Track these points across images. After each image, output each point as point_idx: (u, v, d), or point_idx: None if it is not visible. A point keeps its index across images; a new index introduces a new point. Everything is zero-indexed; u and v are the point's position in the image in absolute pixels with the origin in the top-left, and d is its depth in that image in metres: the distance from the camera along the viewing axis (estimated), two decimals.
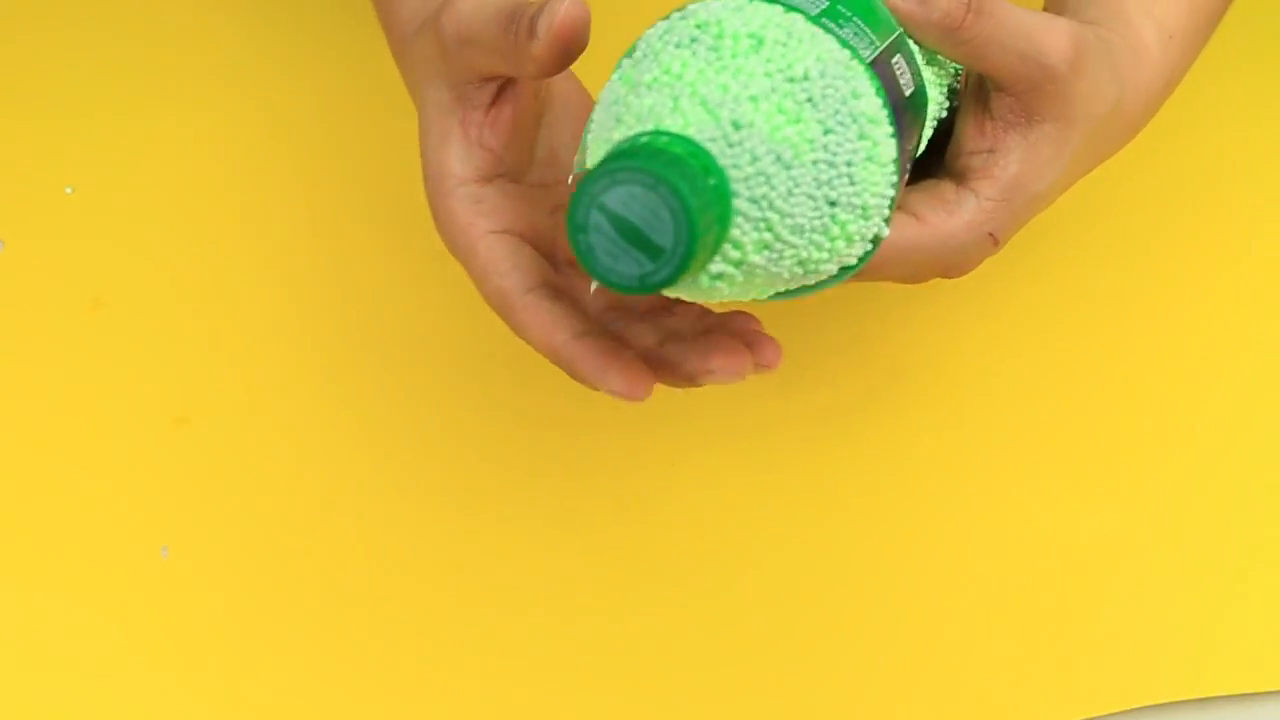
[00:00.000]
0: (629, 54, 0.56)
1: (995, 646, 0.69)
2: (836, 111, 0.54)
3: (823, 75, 0.54)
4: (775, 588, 0.70)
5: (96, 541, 0.71)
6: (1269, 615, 0.69)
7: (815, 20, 0.56)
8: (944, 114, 0.64)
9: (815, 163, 0.53)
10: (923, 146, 0.61)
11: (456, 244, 0.61)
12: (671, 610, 0.69)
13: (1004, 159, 0.61)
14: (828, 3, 0.57)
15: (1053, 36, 0.60)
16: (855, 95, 0.54)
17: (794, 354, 0.72)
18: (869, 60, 0.56)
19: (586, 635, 0.69)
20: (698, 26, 0.55)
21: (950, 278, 0.63)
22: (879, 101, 0.55)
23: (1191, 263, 0.76)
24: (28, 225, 0.78)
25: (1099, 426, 0.72)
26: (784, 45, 0.54)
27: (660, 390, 0.72)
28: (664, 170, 0.48)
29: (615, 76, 0.56)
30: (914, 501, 0.71)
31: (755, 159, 0.52)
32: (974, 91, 0.62)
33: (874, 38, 0.58)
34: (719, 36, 0.54)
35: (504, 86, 0.62)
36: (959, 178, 0.61)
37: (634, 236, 0.49)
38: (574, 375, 0.59)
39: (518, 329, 0.60)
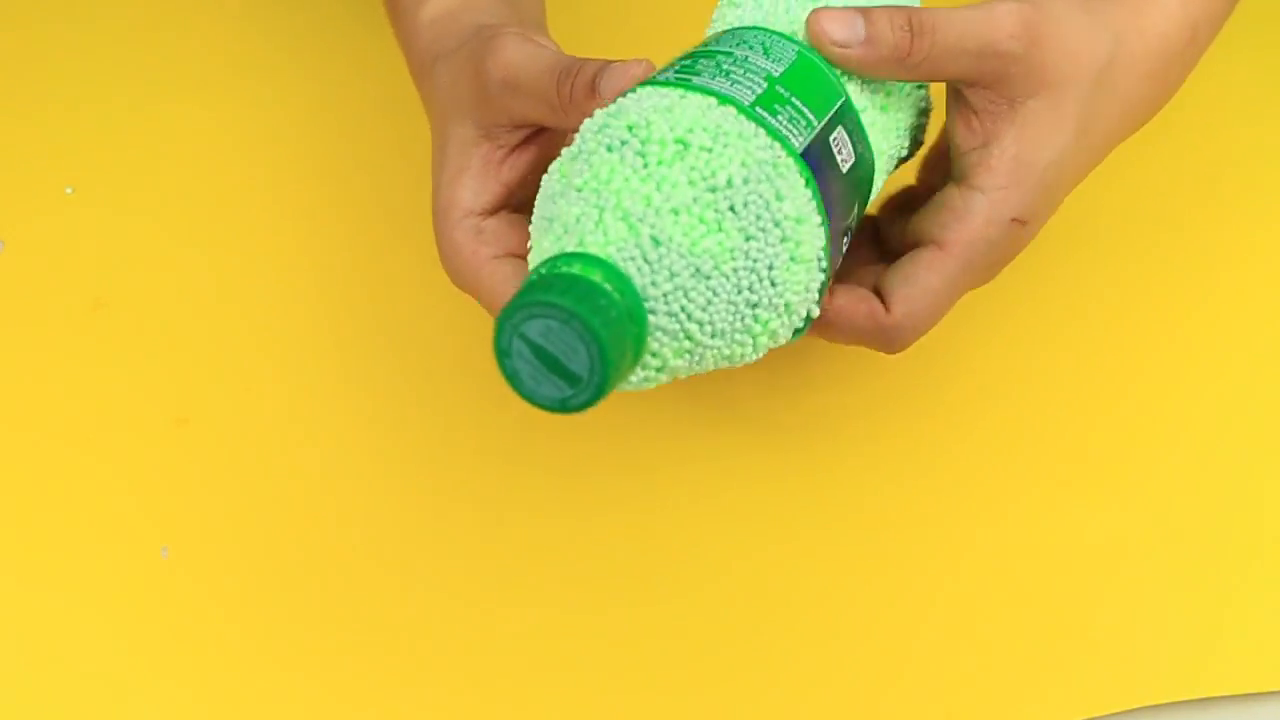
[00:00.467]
0: (570, 145, 0.57)
1: (995, 646, 0.69)
2: (759, 217, 0.54)
3: (746, 181, 0.54)
4: (775, 588, 0.70)
5: (96, 541, 0.71)
6: (1269, 615, 0.69)
7: (748, 111, 0.56)
8: (905, 153, 0.64)
9: (735, 270, 0.54)
10: (872, 199, 0.61)
11: (463, 273, 0.62)
12: (672, 611, 0.69)
13: (998, 147, 0.60)
14: (765, 85, 0.58)
15: (997, 23, 0.59)
16: (779, 197, 0.55)
17: (795, 355, 0.72)
18: (801, 149, 0.56)
19: (586, 635, 0.69)
20: (629, 128, 0.55)
21: (995, 274, 0.62)
22: (808, 194, 0.56)
23: (1191, 264, 0.76)
24: (28, 225, 0.78)
25: (1099, 427, 0.72)
26: (709, 151, 0.54)
27: (660, 390, 0.72)
28: (577, 305, 0.49)
29: (555, 166, 0.57)
30: (914, 501, 0.71)
31: (673, 275, 0.53)
32: (953, 94, 0.62)
33: (812, 117, 0.58)
34: (646, 141, 0.55)
35: (536, 132, 0.62)
36: (962, 180, 0.61)
37: (553, 364, 0.51)
38: None
39: None
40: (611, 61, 0.59)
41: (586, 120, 0.57)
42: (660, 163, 0.54)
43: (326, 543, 0.71)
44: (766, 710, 0.68)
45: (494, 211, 0.63)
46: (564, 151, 0.57)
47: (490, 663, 0.69)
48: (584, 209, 0.54)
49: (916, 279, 0.60)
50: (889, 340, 0.61)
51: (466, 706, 0.68)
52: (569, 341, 0.50)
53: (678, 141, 0.54)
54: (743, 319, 0.55)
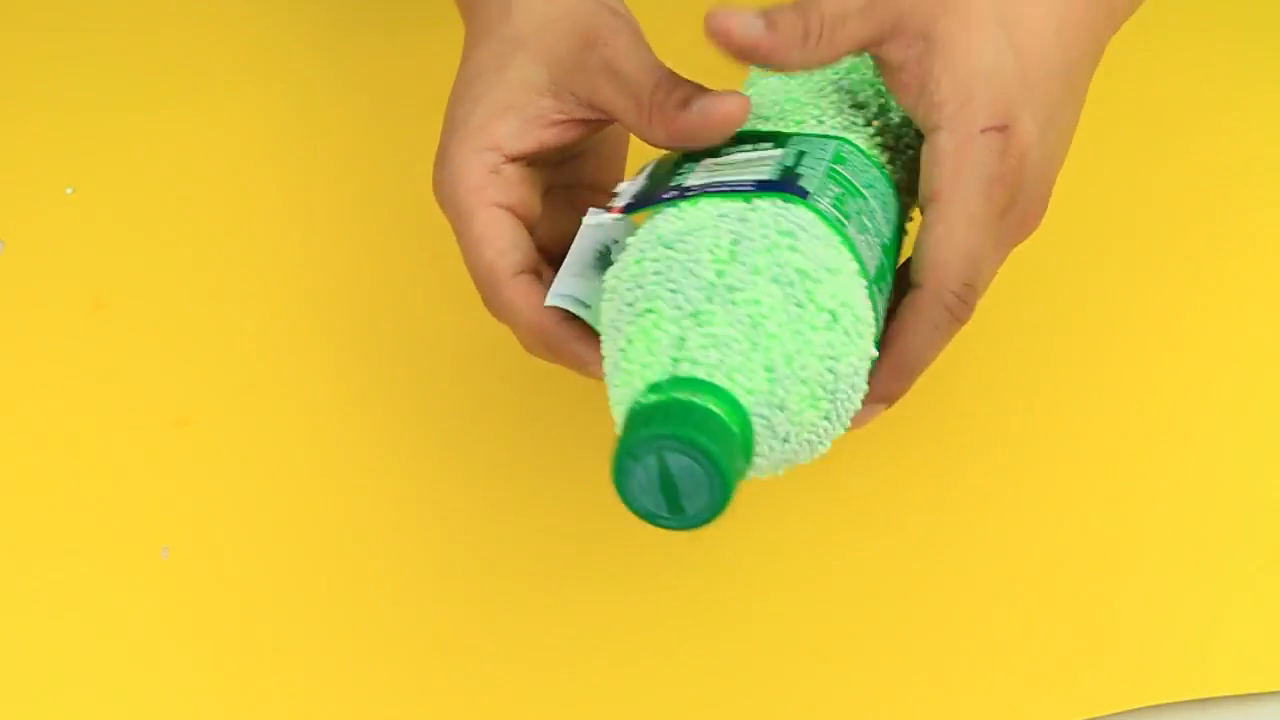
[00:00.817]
0: (737, 198, 0.56)
1: (995, 646, 0.69)
2: (848, 399, 0.56)
3: (851, 375, 0.56)
4: (776, 587, 0.70)
5: (97, 541, 0.71)
6: (1269, 615, 0.69)
7: (871, 292, 0.57)
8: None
9: (819, 434, 0.56)
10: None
11: (455, 196, 0.61)
12: (672, 610, 0.69)
13: (932, 81, 0.59)
14: (881, 258, 0.58)
15: None
16: (862, 383, 0.56)
17: None
18: (881, 319, 0.58)
19: (587, 635, 0.69)
20: (798, 272, 0.55)
21: (1025, 214, 0.60)
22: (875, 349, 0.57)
23: (1192, 266, 0.76)
24: (28, 225, 0.78)
25: (1100, 427, 0.72)
26: (846, 335, 0.55)
27: None
28: (725, 463, 0.51)
29: (707, 215, 0.56)
30: (914, 502, 0.71)
31: (784, 440, 0.55)
32: (882, 68, 0.60)
33: (889, 279, 0.59)
34: (810, 297, 0.55)
35: (594, 122, 0.62)
36: (925, 133, 0.60)
37: (669, 489, 0.52)
38: (558, 355, 0.61)
39: (501, 307, 0.61)
40: (711, 90, 0.59)
41: (762, 206, 0.56)
42: (812, 328, 0.55)
43: (327, 543, 0.71)
44: (767, 710, 0.68)
45: (515, 160, 0.62)
46: (720, 206, 0.56)
47: (490, 662, 0.69)
48: (735, 332, 0.54)
49: (931, 239, 0.59)
50: (954, 314, 0.60)
51: (467, 706, 0.68)
52: (699, 486, 0.51)
53: (830, 312, 0.55)
54: (830, 431, 0.56)
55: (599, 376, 0.58)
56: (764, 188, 0.56)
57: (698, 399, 0.52)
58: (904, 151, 0.62)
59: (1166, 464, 0.72)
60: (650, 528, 0.71)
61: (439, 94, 0.79)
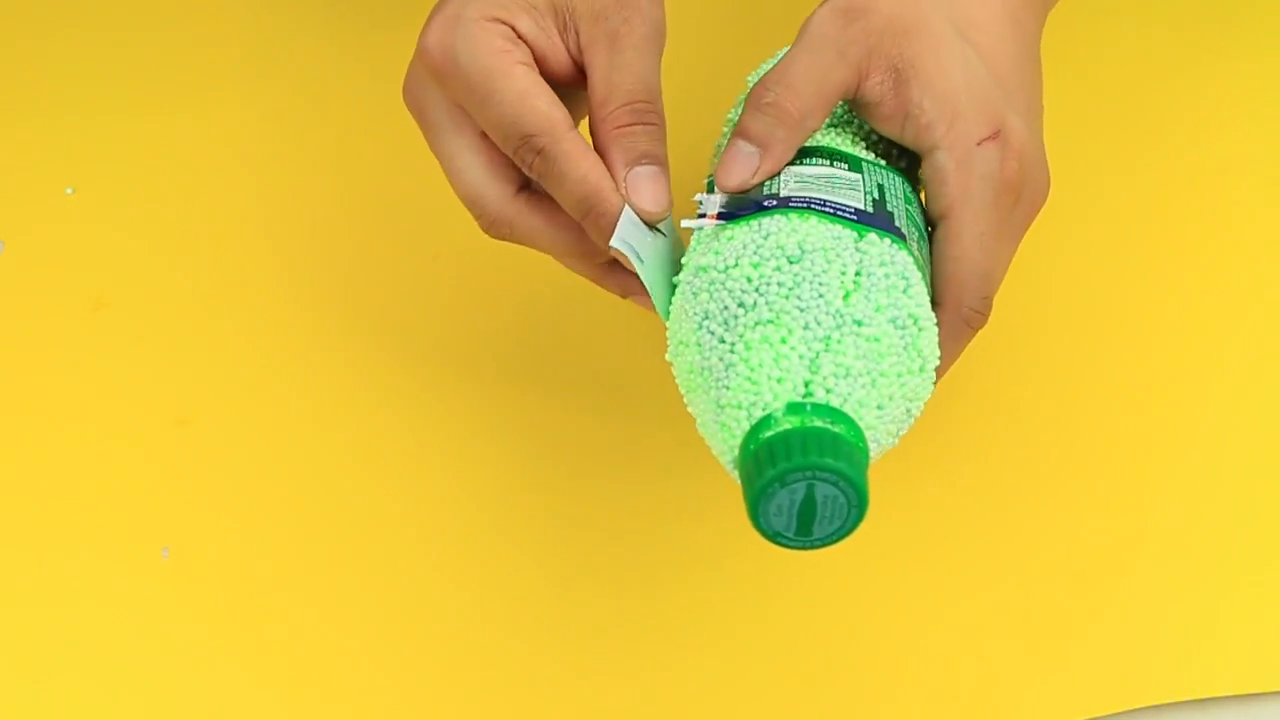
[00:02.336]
0: (832, 228, 0.58)
1: (995, 646, 0.69)
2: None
3: (918, 414, 0.59)
4: (777, 588, 0.70)
5: (97, 542, 0.71)
6: (1269, 615, 0.69)
7: (931, 331, 0.59)
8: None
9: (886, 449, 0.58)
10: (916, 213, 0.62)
11: (484, 61, 0.60)
12: (672, 610, 0.69)
13: (915, 107, 0.60)
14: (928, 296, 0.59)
15: (822, 31, 0.59)
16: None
17: None
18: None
19: (587, 635, 0.69)
20: (912, 318, 0.57)
21: (1031, 203, 0.61)
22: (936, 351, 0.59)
23: (1191, 265, 0.76)
24: (28, 225, 0.78)
25: (1100, 428, 0.72)
26: (927, 382, 0.58)
27: (664, 391, 0.72)
28: (866, 495, 0.53)
29: (823, 240, 0.57)
30: (914, 502, 0.71)
31: (872, 459, 0.57)
32: (858, 107, 0.61)
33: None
34: (913, 343, 0.57)
35: (574, 76, 0.62)
36: (921, 157, 0.61)
37: (806, 514, 0.54)
38: (601, 219, 0.59)
39: (561, 155, 0.59)
40: (651, 169, 0.60)
41: (874, 242, 0.57)
42: (909, 372, 0.57)
43: (327, 542, 0.71)
44: (767, 709, 0.68)
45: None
46: (831, 229, 0.57)
47: (491, 662, 0.69)
48: (860, 366, 0.56)
49: (948, 257, 0.60)
50: (970, 324, 0.61)
51: (467, 706, 0.68)
52: (837, 514, 0.54)
53: (923, 359, 0.58)
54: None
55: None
56: (867, 221, 0.58)
57: (839, 430, 0.54)
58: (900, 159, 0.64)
59: (1166, 464, 0.72)
60: (650, 528, 0.71)
61: None
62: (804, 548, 0.55)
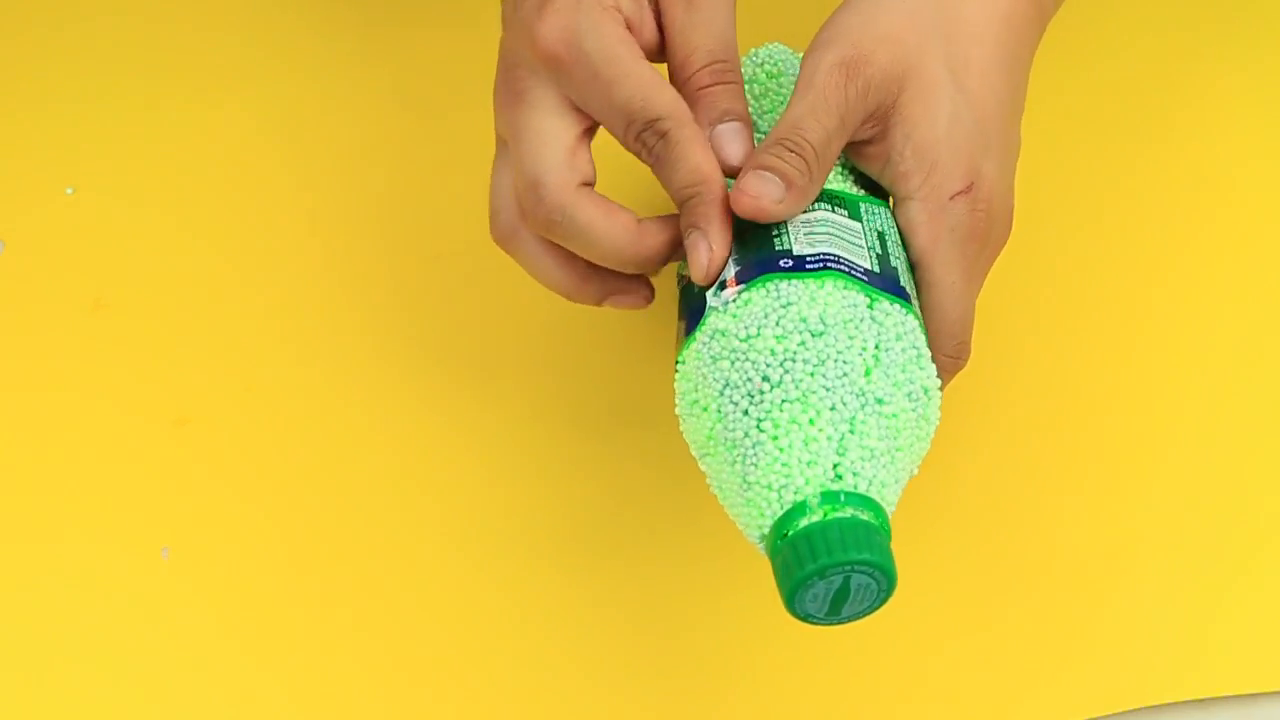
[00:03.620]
0: (850, 300, 0.58)
1: (995, 647, 0.69)
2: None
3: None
4: (774, 586, 0.70)
5: (96, 542, 0.71)
6: (1269, 615, 0.69)
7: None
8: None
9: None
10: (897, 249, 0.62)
11: (603, 42, 0.60)
12: (672, 610, 0.69)
13: (896, 154, 0.61)
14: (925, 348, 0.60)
15: (826, 92, 0.60)
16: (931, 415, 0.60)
17: None
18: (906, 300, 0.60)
19: (587, 635, 0.69)
20: (924, 389, 0.58)
21: (998, 244, 0.63)
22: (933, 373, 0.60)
23: (1190, 265, 0.76)
24: (28, 225, 0.78)
25: (1099, 427, 0.72)
26: (930, 441, 0.60)
27: (660, 392, 0.72)
28: (895, 580, 0.55)
29: (847, 313, 0.58)
30: (913, 502, 0.71)
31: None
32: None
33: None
34: (926, 412, 0.59)
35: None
36: (895, 201, 0.62)
37: (839, 599, 0.56)
38: (716, 201, 0.59)
39: (686, 140, 0.59)
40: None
41: (886, 309, 0.58)
42: (921, 438, 0.59)
43: (327, 543, 0.71)
44: (767, 710, 0.68)
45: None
46: (845, 294, 0.58)
47: (491, 663, 0.69)
48: (882, 445, 0.57)
49: (923, 306, 0.61)
50: (951, 371, 0.63)
51: (467, 706, 0.68)
52: (868, 599, 0.56)
53: (933, 425, 0.59)
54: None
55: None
56: (878, 285, 0.59)
57: (869, 518, 0.55)
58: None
59: (1166, 464, 0.72)
60: (649, 530, 0.71)
61: (441, 94, 0.80)
62: (829, 624, 0.57)
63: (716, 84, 0.61)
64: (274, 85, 0.81)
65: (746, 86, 0.65)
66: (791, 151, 0.59)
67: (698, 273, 0.59)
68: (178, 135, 0.79)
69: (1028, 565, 0.70)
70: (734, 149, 0.60)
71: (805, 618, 0.56)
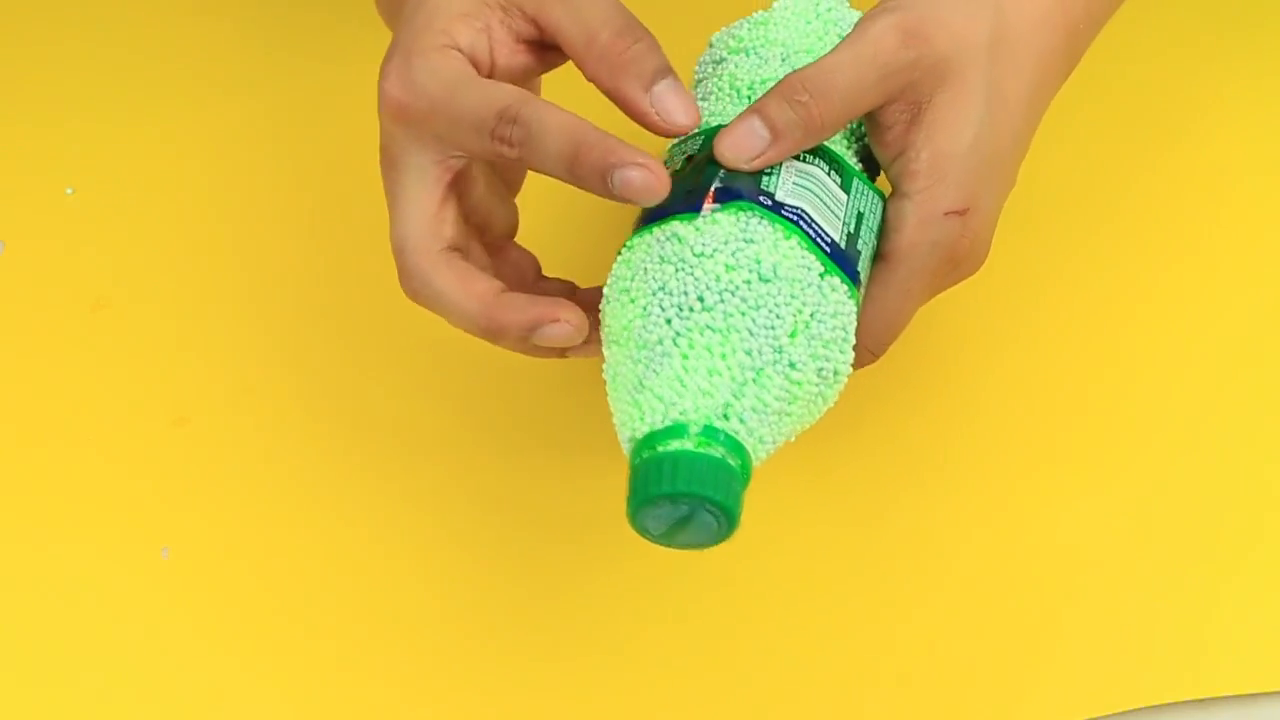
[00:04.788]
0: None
1: (995, 647, 0.69)
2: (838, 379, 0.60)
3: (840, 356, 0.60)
4: (774, 589, 0.70)
5: (96, 542, 0.71)
6: (1269, 615, 0.69)
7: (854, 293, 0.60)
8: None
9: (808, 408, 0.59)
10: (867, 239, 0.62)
11: (436, 82, 0.59)
12: (671, 610, 0.69)
13: (913, 150, 0.61)
14: (863, 249, 0.60)
15: (881, 43, 0.59)
16: (843, 350, 0.59)
17: None
18: (835, 259, 0.59)
19: (587, 634, 0.69)
20: (835, 373, 0.59)
21: (964, 274, 0.63)
22: (851, 306, 0.59)
23: (1189, 265, 0.76)
24: (28, 226, 0.78)
25: (1099, 427, 0.72)
26: (830, 407, 0.60)
27: None
28: (736, 524, 0.56)
29: (797, 255, 0.58)
30: (912, 502, 0.71)
31: (776, 439, 0.58)
32: (865, 118, 0.62)
33: (847, 219, 0.61)
34: (831, 391, 0.59)
35: (545, 50, 0.62)
36: (893, 192, 0.62)
37: (678, 526, 0.56)
38: (593, 158, 0.57)
39: (538, 112, 0.58)
40: (665, 82, 0.59)
41: (833, 285, 0.58)
42: (818, 411, 0.60)
43: (327, 543, 0.71)
44: (766, 710, 0.68)
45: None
46: (804, 256, 0.58)
47: (491, 663, 0.69)
48: (776, 405, 0.57)
49: (869, 297, 0.61)
50: (862, 361, 0.62)
51: (467, 706, 0.68)
52: (704, 535, 0.56)
53: (833, 401, 0.60)
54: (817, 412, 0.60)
55: (636, 181, 0.57)
56: (837, 260, 0.59)
57: (735, 464, 0.56)
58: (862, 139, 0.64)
59: (1166, 464, 0.72)
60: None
61: None
62: (661, 545, 0.57)
63: (631, 44, 0.59)
64: (274, 86, 0.81)
65: (734, 30, 0.65)
66: (804, 98, 0.59)
67: (648, 195, 0.58)
68: (178, 136, 0.79)
69: (1027, 565, 0.70)
70: (678, 108, 0.59)
71: (642, 531, 0.57)
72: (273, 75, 0.81)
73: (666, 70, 0.60)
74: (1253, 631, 0.69)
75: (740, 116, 0.59)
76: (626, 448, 0.58)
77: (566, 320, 0.59)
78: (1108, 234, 0.76)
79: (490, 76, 0.61)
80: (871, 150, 0.63)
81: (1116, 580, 0.70)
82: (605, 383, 0.59)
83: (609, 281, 0.60)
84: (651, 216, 0.59)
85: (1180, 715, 0.68)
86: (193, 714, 0.68)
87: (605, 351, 0.59)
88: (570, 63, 0.61)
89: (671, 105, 0.59)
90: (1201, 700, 0.68)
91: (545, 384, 0.73)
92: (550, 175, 0.59)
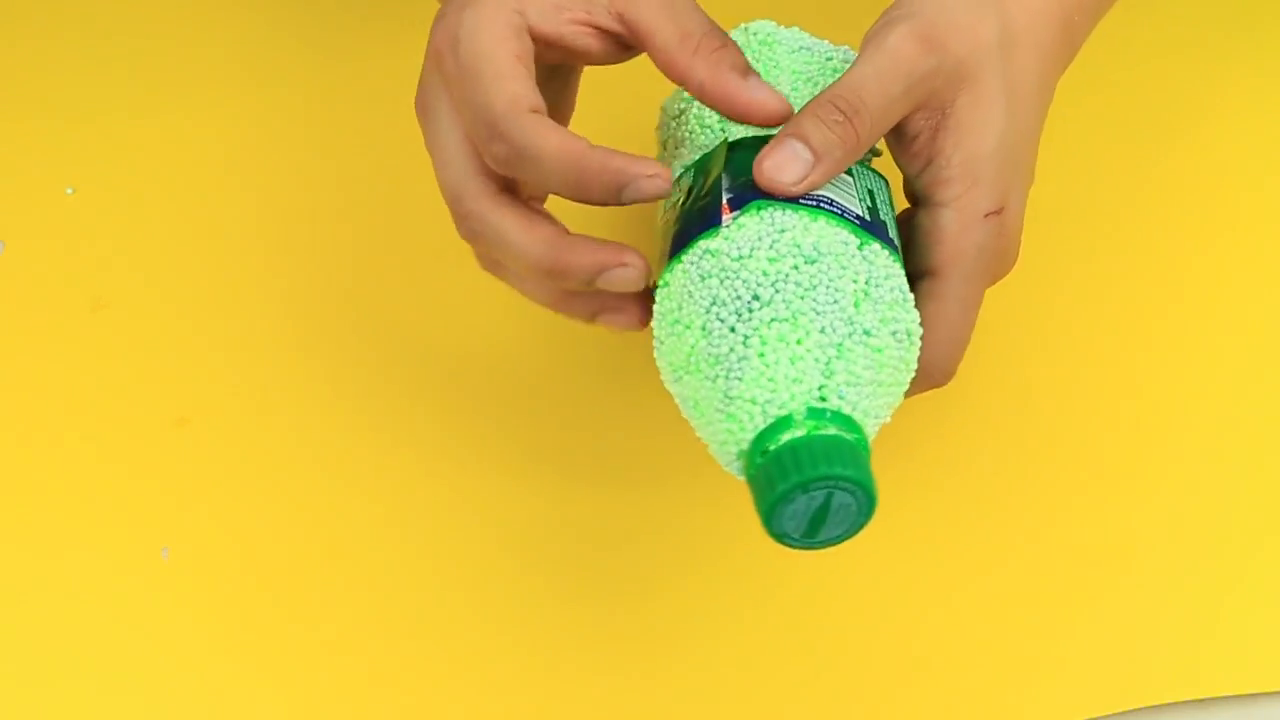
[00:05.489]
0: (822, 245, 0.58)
1: (995, 647, 0.69)
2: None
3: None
4: (776, 588, 0.70)
5: (96, 542, 0.71)
6: (1269, 615, 0.69)
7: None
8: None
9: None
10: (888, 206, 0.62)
11: (480, 45, 0.59)
12: (673, 610, 0.69)
13: (942, 158, 0.61)
14: (895, 236, 0.61)
15: (901, 52, 0.59)
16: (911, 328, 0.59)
17: None
18: (876, 232, 0.59)
19: (587, 635, 0.69)
20: (908, 333, 0.58)
21: (1002, 274, 0.63)
22: (901, 276, 0.59)
23: (1190, 265, 0.76)
24: (28, 225, 0.78)
25: (1099, 427, 0.72)
26: (907, 388, 0.59)
27: (663, 393, 0.72)
28: (875, 501, 0.55)
29: (831, 233, 0.58)
30: (913, 502, 0.71)
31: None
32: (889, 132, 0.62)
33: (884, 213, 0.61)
34: (908, 355, 0.59)
35: (617, 44, 0.62)
36: (924, 202, 0.62)
37: (817, 518, 0.55)
38: (592, 181, 0.57)
39: (523, 132, 0.58)
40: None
41: (877, 252, 0.58)
42: (900, 383, 0.59)
43: (327, 543, 0.71)
44: (767, 709, 0.68)
45: (535, 40, 0.60)
46: (839, 232, 0.58)
47: (491, 663, 0.69)
48: (866, 375, 0.57)
49: (927, 316, 0.61)
50: (934, 381, 0.62)
51: (467, 706, 0.68)
52: (847, 519, 0.55)
53: (911, 371, 0.59)
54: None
55: (639, 190, 0.58)
56: (868, 229, 0.59)
57: (853, 438, 0.55)
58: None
59: (1166, 464, 0.72)
60: (648, 532, 0.71)
61: None
62: (805, 548, 0.56)
63: (724, 45, 0.60)
64: (274, 86, 0.81)
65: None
66: (839, 117, 0.59)
67: (658, 195, 0.58)
68: (177, 135, 0.79)
69: (1028, 565, 0.70)
70: (771, 97, 0.60)
71: (781, 537, 0.55)
72: (273, 75, 0.81)
73: (751, 68, 0.60)
74: (1253, 631, 0.69)
75: (778, 139, 0.59)
76: (736, 466, 0.57)
77: (633, 264, 0.58)
78: (1108, 234, 0.76)
79: (550, 48, 0.61)
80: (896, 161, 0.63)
81: (1116, 580, 0.70)
82: (688, 421, 0.59)
83: (655, 323, 0.59)
84: (675, 248, 0.59)
85: (1180, 715, 0.68)
86: (193, 714, 0.68)
87: (674, 389, 0.59)
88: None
89: (765, 95, 0.60)
90: (1201, 700, 0.68)
91: (549, 385, 0.73)
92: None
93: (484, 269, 0.63)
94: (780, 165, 0.58)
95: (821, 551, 0.70)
